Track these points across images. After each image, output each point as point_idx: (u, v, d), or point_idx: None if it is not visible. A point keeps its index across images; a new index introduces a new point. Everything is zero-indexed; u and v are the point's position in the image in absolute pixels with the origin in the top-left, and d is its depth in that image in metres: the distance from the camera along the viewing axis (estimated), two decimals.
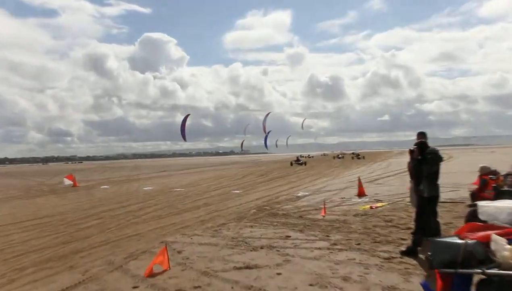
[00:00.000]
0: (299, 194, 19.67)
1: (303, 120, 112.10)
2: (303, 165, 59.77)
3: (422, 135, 9.25)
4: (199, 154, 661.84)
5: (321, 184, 25.82)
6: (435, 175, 8.80)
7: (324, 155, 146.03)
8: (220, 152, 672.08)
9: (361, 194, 18.28)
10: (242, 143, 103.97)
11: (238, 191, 22.64)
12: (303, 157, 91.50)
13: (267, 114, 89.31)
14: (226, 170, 50.39)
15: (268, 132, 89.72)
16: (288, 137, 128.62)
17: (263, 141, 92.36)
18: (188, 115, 59.75)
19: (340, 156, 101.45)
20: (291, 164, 61.80)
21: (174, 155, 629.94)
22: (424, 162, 8.68)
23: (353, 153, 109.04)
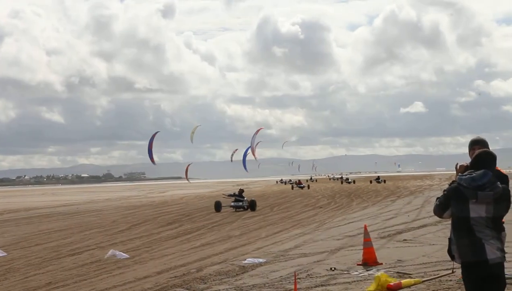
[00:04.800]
0: (245, 262, 14.22)
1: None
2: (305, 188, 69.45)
3: (480, 144, 6.12)
4: (39, 179, 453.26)
5: (290, 239, 19.05)
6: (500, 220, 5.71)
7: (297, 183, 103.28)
8: (83, 175, 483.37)
9: (369, 260, 13.22)
10: (232, 155, 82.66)
11: (121, 256, 16.16)
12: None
13: (258, 131, 70.10)
14: (103, 215, 35.91)
15: (247, 148, 73.04)
16: (234, 152, 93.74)
17: (242, 160, 75.77)
18: (157, 133, 54.56)
19: (346, 179, 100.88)
20: (292, 188, 71.04)
21: None
22: (497, 194, 5.36)
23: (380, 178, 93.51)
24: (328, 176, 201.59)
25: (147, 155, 54.78)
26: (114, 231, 24.56)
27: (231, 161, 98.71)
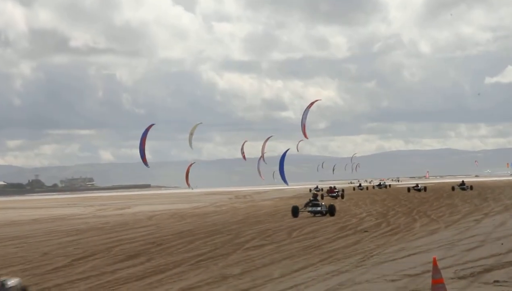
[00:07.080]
0: None
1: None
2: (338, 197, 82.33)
3: None
4: None
5: (318, 281, 19.49)
6: None
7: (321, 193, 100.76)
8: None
9: None
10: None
11: None
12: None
13: (312, 104, 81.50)
14: (28, 244, 36.76)
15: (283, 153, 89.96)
16: (243, 145, 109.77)
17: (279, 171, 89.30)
18: (152, 125, 65.94)
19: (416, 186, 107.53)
20: (322, 197, 72.93)
21: None
22: None
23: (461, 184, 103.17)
24: (370, 181, 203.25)
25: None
26: (45, 269, 25.19)
27: (244, 158, 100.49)
